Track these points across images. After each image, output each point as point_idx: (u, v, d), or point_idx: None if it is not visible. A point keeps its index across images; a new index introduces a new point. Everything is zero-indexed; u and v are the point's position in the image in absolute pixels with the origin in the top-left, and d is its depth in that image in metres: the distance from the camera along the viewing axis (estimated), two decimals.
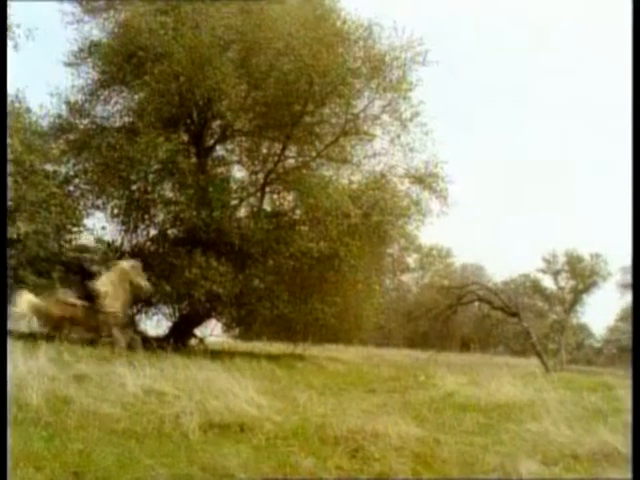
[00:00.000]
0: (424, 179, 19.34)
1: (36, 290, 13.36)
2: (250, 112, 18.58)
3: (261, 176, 19.46)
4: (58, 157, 18.24)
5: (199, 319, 18.98)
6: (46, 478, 5.04)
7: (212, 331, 20.15)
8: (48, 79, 22.95)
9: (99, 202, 18.64)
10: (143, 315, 19.03)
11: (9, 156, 14.09)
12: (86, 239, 17.80)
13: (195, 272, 16.03)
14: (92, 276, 12.27)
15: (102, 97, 19.24)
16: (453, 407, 9.13)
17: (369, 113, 19.07)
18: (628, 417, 7.63)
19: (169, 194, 19.07)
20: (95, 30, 19.56)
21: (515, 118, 67.68)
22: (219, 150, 20.39)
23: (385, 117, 19.15)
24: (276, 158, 19.22)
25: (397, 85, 18.43)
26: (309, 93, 17.50)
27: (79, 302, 11.96)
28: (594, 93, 64.98)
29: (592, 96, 67.38)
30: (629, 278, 44.62)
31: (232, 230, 17.29)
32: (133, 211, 18.55)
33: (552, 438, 6.94)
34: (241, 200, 19.45)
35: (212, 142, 19.79)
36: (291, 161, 19.95)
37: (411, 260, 39.89)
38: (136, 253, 17.68)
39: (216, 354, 14.05)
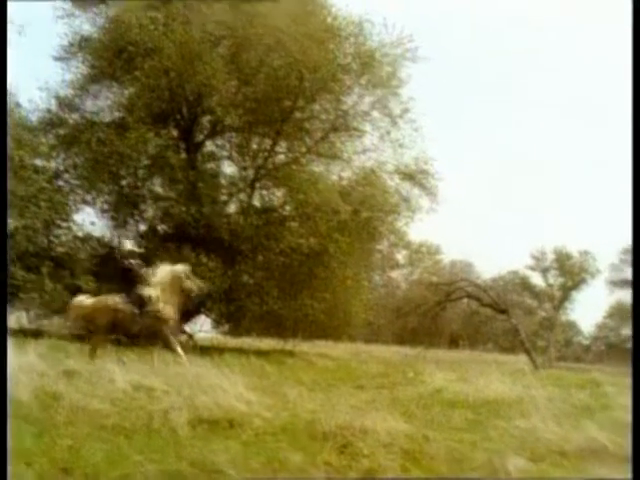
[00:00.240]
0: (414, 176, 19.43)
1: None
2: (240, 108, 18.55)
3: (251, 172, 19.46)
4: (47, 152, 18.16)
5: (188, 315, 18.94)
6: (35, 474, 5.03)
7: (201, 327, 20.17)
8: (37, 73, 22.74)
9: (89, 197, 18.62)
10: None
11: None
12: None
13: None
14: (142, 281, 12.05)
15: (92, 92, 19.22)
16: (441, 403, 9.14)
17: (359, 109, 19.15)
18: (616, 414, 7.71)
19: (159, 189, 19.07)
20: (86, 25, 19.60)
21: (505, 116, 67.86)
22: (209, 146, 20.38)
23: (375, 113, 19.27)
24: (266, 154, 19.24)
25: (387, 81, 18.52)
26: (299, 89, 17.54)
27: (128, 307, 11.77)
28: (584, 91, 65.28)
29: (581, 94, 67.56)
30: (617, 275, 44.95)
31: (222, 226, 17.31)
32: (123, 206, 18.52)
33: (540, 435, 6.95)
34: (231, 196, 19.47)
35: (202, 138, 19.78)
36: (281, 157, 19.97)
37: (400, 256, 39.78)
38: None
39: (205, 350, 14.03)
